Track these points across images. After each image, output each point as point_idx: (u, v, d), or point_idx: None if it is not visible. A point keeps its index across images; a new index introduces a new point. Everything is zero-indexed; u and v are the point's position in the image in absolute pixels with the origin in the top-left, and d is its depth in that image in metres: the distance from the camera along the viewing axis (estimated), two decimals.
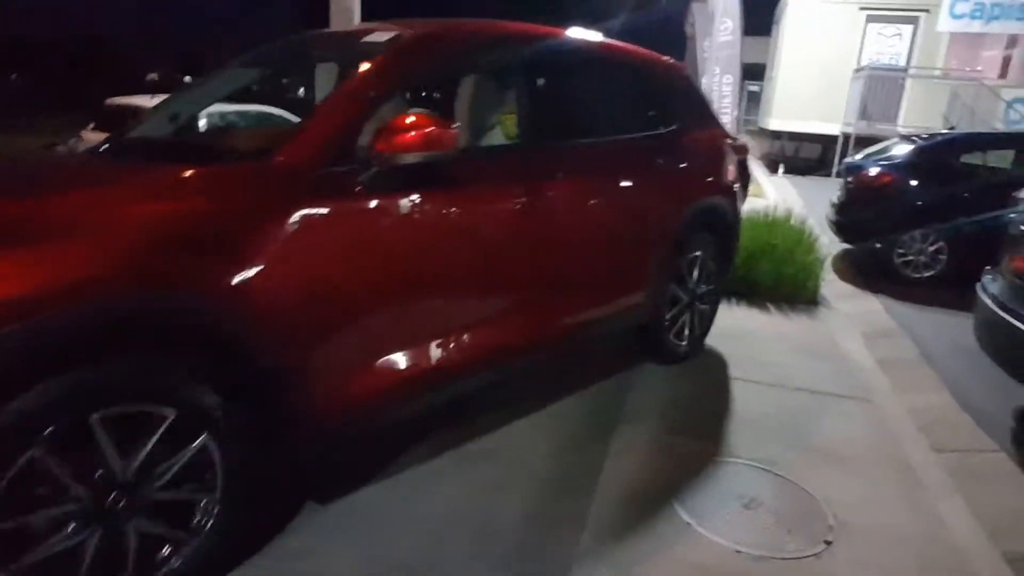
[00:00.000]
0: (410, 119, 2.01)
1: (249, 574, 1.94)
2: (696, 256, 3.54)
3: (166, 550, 1.78)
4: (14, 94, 27.67)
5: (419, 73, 2.46)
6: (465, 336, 2.37)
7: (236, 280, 1.75)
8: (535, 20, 2.90)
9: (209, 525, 1.84)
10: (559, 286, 2.74)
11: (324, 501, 2.28)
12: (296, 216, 1.88)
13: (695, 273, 3.57)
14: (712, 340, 3.93)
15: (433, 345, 2.28)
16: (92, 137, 7.55)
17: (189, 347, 1.72)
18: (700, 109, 3.66)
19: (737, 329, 4.24)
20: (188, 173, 1.84)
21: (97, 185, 1.86)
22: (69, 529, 1.60)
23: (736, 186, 3.76)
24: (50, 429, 1.51)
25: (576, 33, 3.05)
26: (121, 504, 1.66)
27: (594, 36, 3.11)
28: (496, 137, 2.73)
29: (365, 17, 5.72)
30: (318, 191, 1.94)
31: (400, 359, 2.18)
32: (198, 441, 1.76)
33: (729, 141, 3.81)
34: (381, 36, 2.36)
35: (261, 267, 1.80)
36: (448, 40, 2.52)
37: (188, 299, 1.69)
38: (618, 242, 3.03)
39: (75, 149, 6.54)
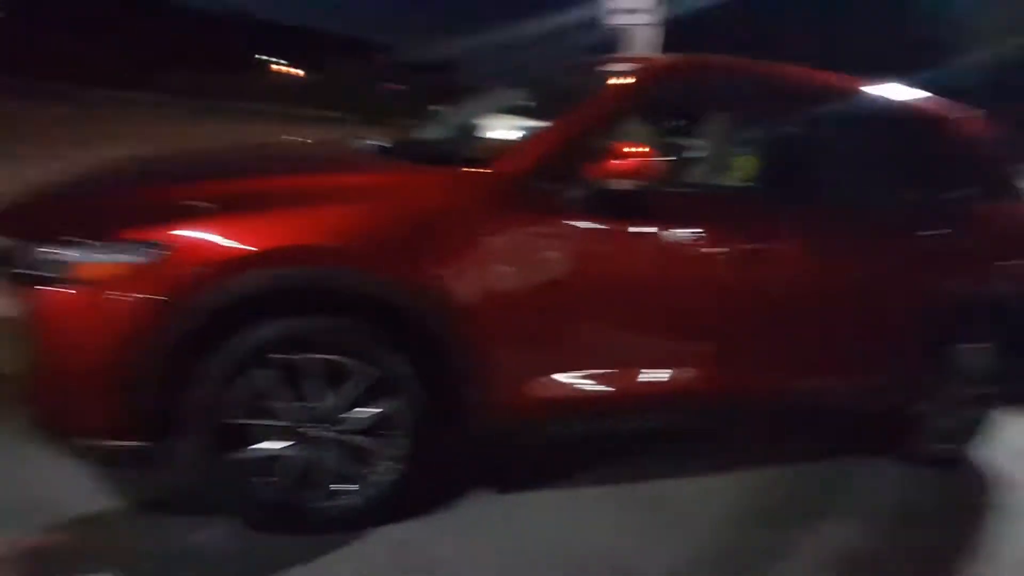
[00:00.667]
0: (621, 148, 2.09)
1: (396, 533, 2.16)
2: (971, 348, 2.96)
3: (347, 487, 2.10)
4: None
5: (644, 106, 2.52)
6: (645, 369, 2.35)
7: (443, 273, 2.01)
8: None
9: (387, 477, 2.11)
10: (764, 342, 2.53)
11: (482, 497, 2.42)
12: (500, 220, 2.09)
13: (965, 368, 2.98)
14: (994, 453, 3.23)
15: (611, 371, 2.31)
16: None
17: (397, 323, 2.01)
18: (1000, 177, 3.07)
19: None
20: (420, 173, 2.17)
21: (358, 173, 2.28)
22: (281, 441, 1.99)
23: None
24: (281, 356, 1.91)
25: (850, 82, 2.79)
26: (322, 432, 2.01)
27: (871, 87, 2.81)
28: (730, 178, 2.65)
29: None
30: (525, 201, 2.12)
31: (577, 377, 2.26)
32: (393, 403, 2.05)
33: None
34: (615, 69, 2.47)
35: (465, 264, 2.04)
36: (681, 77, 2.55)
37: (399, 283, 1.98)
38: (848, 313, 2.68)
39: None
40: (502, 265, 2.10)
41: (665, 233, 2.27)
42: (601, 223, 2.18)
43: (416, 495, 2.24)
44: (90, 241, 1.78)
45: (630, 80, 2.42)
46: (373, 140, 2.91)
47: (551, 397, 2.23)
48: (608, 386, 2.30)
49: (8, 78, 19.57)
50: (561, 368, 2.24)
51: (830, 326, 2.66)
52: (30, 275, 1.78)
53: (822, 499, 2.72)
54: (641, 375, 2.35)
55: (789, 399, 2.69)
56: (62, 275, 1.77)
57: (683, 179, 2.55)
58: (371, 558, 2.03)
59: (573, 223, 2.16)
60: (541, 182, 2.15)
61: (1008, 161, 3.16)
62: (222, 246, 1.81)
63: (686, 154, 2.79)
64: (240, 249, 1.82)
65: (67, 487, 2.16)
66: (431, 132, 3.33)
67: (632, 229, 2.21)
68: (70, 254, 1.77)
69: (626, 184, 2.10)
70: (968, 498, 2.91)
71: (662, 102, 2.58)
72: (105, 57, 27.58)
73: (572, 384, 2.25)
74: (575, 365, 2.25)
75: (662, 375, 2.38)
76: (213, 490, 2.02)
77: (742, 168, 2.62)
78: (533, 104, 3.09)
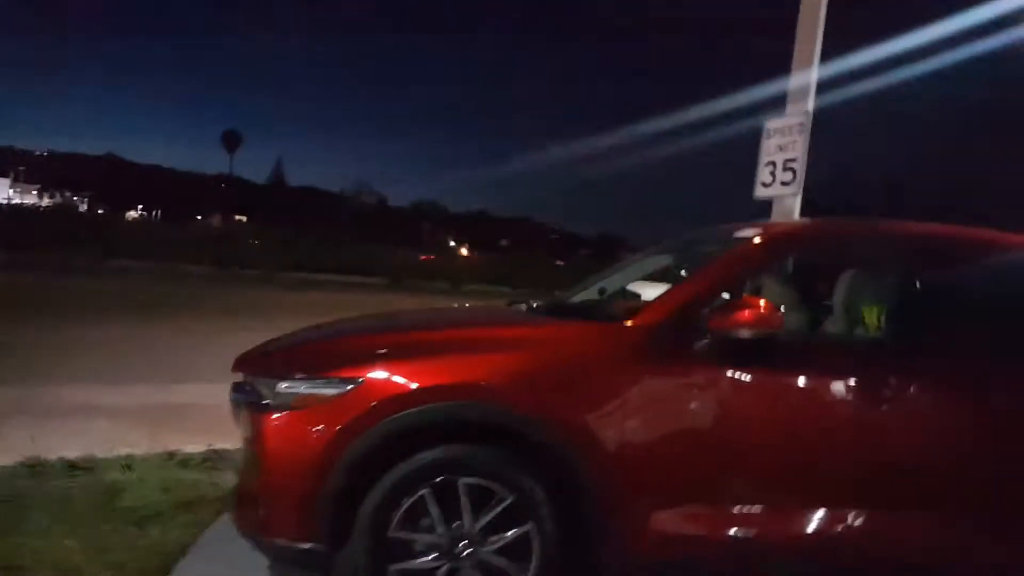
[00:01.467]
0: (743, 302, 2.32)
1: None
2: None
3: None
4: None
5: (765, 266, 2.72)
6: (773, 516, 2.35)
7: (575, 411, 2.28)
8: None
9: None
10: (891, 500, 2.42)
11: None
12: (637, 367, 2.34)
13: None
14: None
15: (741, 517, 2.34)
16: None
17: (532, 452, 2.28)
18: None
19: None
20: (564, 327, 2.52)
21: (509, 327, 2.68)
22: (431, 556, 2.25)
23: None
24: (437, 479, 2.23)
25: (982, 235, 2.82)
26: (465, 550, 2.25)
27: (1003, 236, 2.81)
28: (858, 329, 2.71)
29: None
30: (656, 351, 2.37)
31: (704, 520, 2.33)
32: (526, 526, 2.26)
33: None
34: (745, 234, 2.75)
35: (601, 405, 2.30)
36: (797, 241, 2.76)
37: (540, 420, 2.27)
38: (978, 478, 2.47)
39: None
40: (633, 407, 2.32)
41: (786, 378, 2.39)
42: (725, 369, 2.35)
43: None
44: (306, 377, 2.30)
45: (752, 245, 2.69)
46: (526, 302, 3.36)
47: (674, 537, 2.31)
48: (734, 531, 2.33)
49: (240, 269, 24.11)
50: (688, 509, 2.32)
51: (969, 490, 2.47)
52: (261, 403, 2.32)
53: None
54: (769, 522, 2.35)
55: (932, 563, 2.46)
56: (283, 402, 2.28)
57: (805, 329, 2.66)
58: None
59: (698, 369, 2.36)
60: (670, 333, 2.40)
61: None
62: (398, 382, 2.25)
63: (810, 307, 2.91)
64: (411, 385, 2.25)
65: None
66: (579, 295, 3.73)
67: (756, 374, 2.35)
68: (294, 387, 2.29)
69: (746, 333, 2.29)
70: None
71: (783, 262, 2.78)
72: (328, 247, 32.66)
73: (698, 527, 2.32)
74: (702, 507, 2.33)
75: (790, 523, 2.36)
76: None
77: (869, 319, 2.68)
78: (674, 269, 3.40)
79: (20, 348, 7.21)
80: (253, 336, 3.35)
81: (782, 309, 3.04)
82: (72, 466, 3.77)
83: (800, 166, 6.04)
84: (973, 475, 2.48)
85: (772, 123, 6.33)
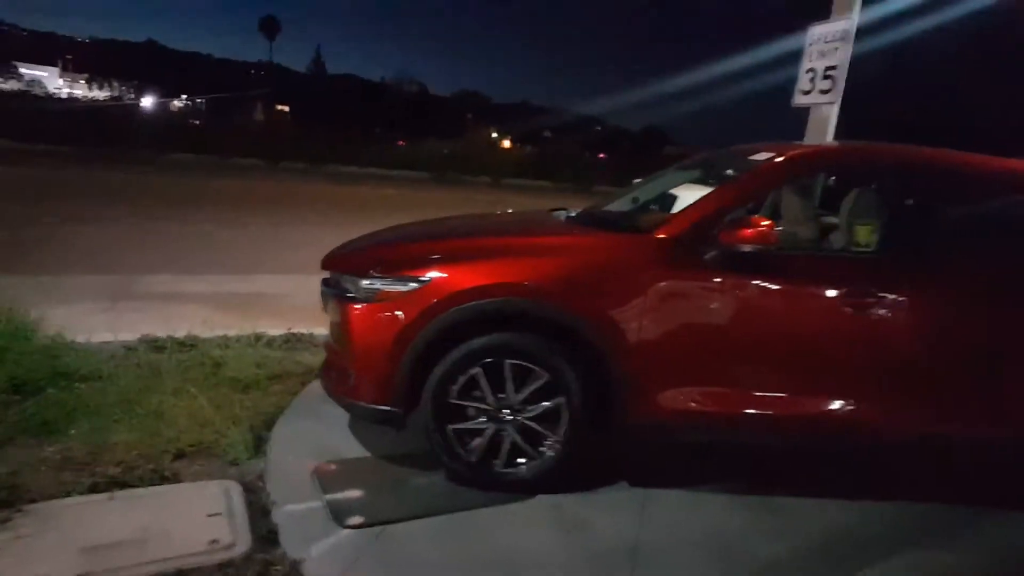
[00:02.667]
0: (750, 220, 2.74)
1: (554, 499, 2.91)
2: None
3: (521, 459, 2.91)
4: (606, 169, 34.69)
5: (775, 186, 3.10)
6: (760, 395, 2.90)
7: (607, 309, 2.79)
8: None
9: (550, 454, 2.90)
10: (876, 384, 2.92)
11: (632, 483, 3.10)
12: (655, 273, 2.82)
13: None
14: None
15: (730, 393, 2.90)
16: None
17: (565, 339, 2.82)
18: None
19: None
20: (596, 236, 2.99)
21: (549, 235, 3.15)
22: (482, 419, 2.87)
23: None
24: (487, 359, 2.81)
25: (977, 159, 3.12)
26: (508, 416, 2.86)
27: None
28: (854, 244, 3.12)
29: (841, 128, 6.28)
30: (675, 259, 2.84)
31: (701, 395, 2.89)
32: (559, 399, 2.85)
33: None
34: (759, 157, 3.11)
35: (625, 303, 2.80)
36: (808, 164, 3.10)
37: (572, 313, 2.79)
38: (966, 361, 2.94)
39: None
40: (651, 305, 2.82)
41: (782, 284, 2.85)
42: (728, 277, 2.82)
43: (573, 476, 2.98)
44: (384, 275, 2.85)
45: (761, 169, 3.07)
46: (566, 211, 3.80)
47: (680, 408, 2.88)
48: (727, 406, 2.90)
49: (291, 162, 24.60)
50: (689, 387, 2.88)
51: (955, 372, 2.96)
52: (347, 295, 2.89)
53: (932, 537, 2.95)
54: (756, 401, 2.91)
55: (901, 438, 3.00)
56: (367, 297, 2.85)
57: (801, 244, 3.07)
58: (533, 511, 2.82)
59: (708, 276, 2.83)
60: (686, 245, 2.86)
61: None
62: (457, 281, 2.78)
63: (812, 224, 3.31)
64: (468, 284, 2.78)
65: (344, 437, 3.27)
66: (616, 204, 4.15)
67: (751, 282, 2.82)
68: (374, 284, 2.85)
69: (748, 247, 2.73)
70: None
71: (791, 183, 3.14)
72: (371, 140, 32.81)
73: (697, 400, 2.88)
74: (701, 386, 2.89)
75: (775, 402, 2.91)
76: (436, 450, 2.93)
77: (862, 235, 3.07)
78: (706, 180, 3.79)
79: (97, 240, 8.05)
80: (308, 230, 3.88)
81: (799, 223, 3.45)
82: (182, 343, 4.52)
83: (840, 75, 6.11)
84: (940, 366, 2.96)
85: (815, 29, 6.35)
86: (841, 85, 6.15)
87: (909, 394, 2.96)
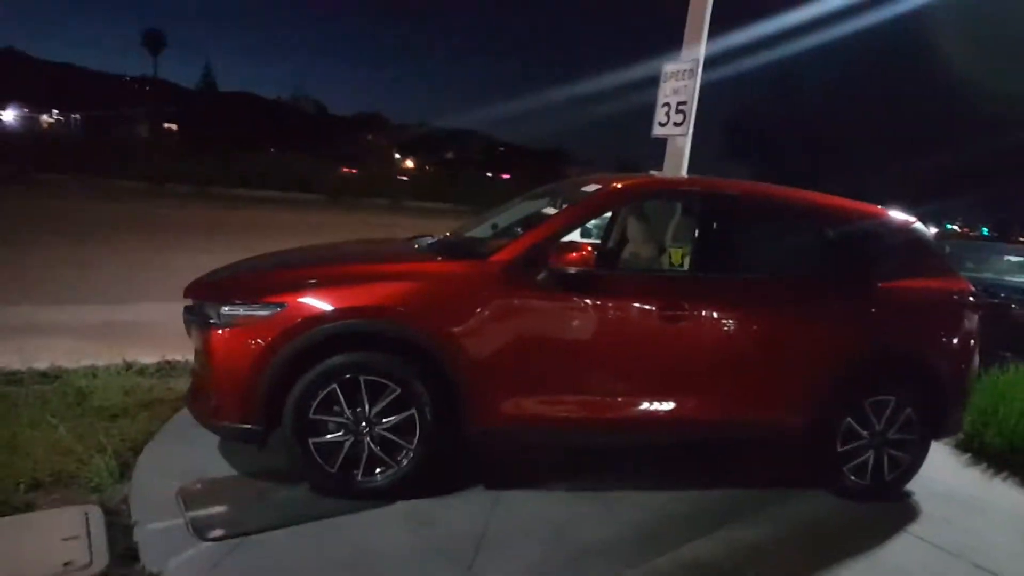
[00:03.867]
0: (571, 244, 3.16)
1: (410, 504, 3.18)
2: (884, 400, 3.66)
3: (379, 468, 3.16)
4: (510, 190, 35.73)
5: (600, 213, 3.57)
6: (590, 400, 3.33)
7: (448, 328, 3.11)
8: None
9: (406, 463, 3.17)
10: (684, 384, 3.42)
11: (488, 485, 3.41)
12: (490, 294, 3.17)
13: (883, 416, 3.68)
14: (921, 498, 3.88)
15: (561, 399, 3.31)
16: None
17: (414, 356, 3.11)
18: (910, 258, 3.83)
19: (964, 495, 4.04)
20: (440, 262, 3.31)
21: (404, 263, 3.44)
22: (340, 432, 3.10)
23: (955, 339, 3.75)
24: (343, 376, 3.05)
25: (767, 189, 3.73)
26: (365, 429, 3.11)
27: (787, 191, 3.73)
28: (668, 263, 3.63)
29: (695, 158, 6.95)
30: (509, 281, 3.20)
31: (534, 402, 3.27)
32: (410, 411, 3.13)
33: (958, 294, 3.83)
34: (588, 189, 3.57)
35: (463, 322, 3.13)
36: (623, 194, 3.64)
37: (418, 332, 3.09)
38: (758, 361, 3.50)
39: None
40: (487, 323, 3.17)
41: (596, 301, 3.28)
42: (556, 296, 3.23)
43: (433, 481, 3.27)
44: (243, 302, 3.03)
45: (588, 199, 3.53)
46: (429, 237, 4.09)
47: (519, 415, 3.25)
48: (561, 411, 3.31)
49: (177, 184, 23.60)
50: (525, 395, 3.26)
51: (746, 371, 3.50)
52: (209, 322, 3.05)
53: (737, 517, 3.46)
54: (587, 405, 3.33)
55: (713, 428, 3.52)
56: (227, 322, 3.02)
57: (621, 264, 3.56)
58: (389, 515, 3.08)
59: (538, 296, 3.21)
60: (519, 268, 3.23)
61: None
62: (312, 306, 3.01)
63: (648, 246, 3.81)
64: (322, 308, 3.02)
65: (212, 458, 3.39)
66: (477, 230, 4.49)
67: (576, 299, 3.24)
68: (234, 310, 3.03)
69: (572, 269, 3.14)
70: (884, 520, 3.57)
71: (615, 210, 3.62)
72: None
73: (532, 406, 3.27)
74: (536, 394, 3.27)
75: (604, 405, 3.34)
76: (298, 463, 3.13)
77: (675, 258, 3.59)
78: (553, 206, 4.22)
79: None
80: (193, 257, 4.00)
81: (638, 246, 3.93)
82: (44, 375, 4.44)
83: (690, 109, 6.80)
84: (725, 365, 3.49)
85: (668, 67, 7.02)
86: (691, 118, 6.85)
87: (715, 391, 3.48)
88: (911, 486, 3.95)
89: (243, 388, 3.01)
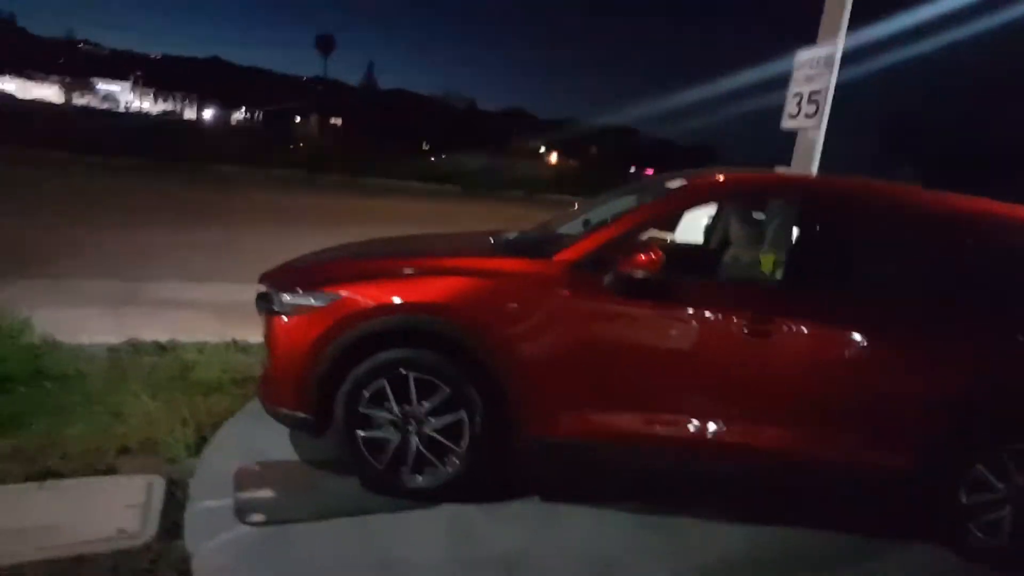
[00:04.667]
0: (644, 246, 2.85)
1: (456, 509, 3.04)
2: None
3: (427, 469, 3.06)
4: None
5: (675, 211, 3.19)
6: (652, 418, 2.98)
7: (503, 329, 2.93)
8: None
9: (454, 466, 3.04)
10: (760, 412, 2.98)
11: (544, 498, 3.20)
12: (552, 296, 2.95)
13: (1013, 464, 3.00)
14: None
15: (620, 415, 2.99)
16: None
17: (466, 356, 2.96)
18: None
19: None
20: (504, 260, 3.12)
21: (469, 258, 3.27)
22: (389, 429, 3.03)
23: None
24: (394, 372, 2.97)
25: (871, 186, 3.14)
26: (413, 428, 3.02)
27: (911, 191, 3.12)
28: (757, 271, 3.17)
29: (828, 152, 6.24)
30: (573, 283, 2.96)
31: (599, 416, 2.99)
32: (460, 413, 2.99)
33: None
34: (672, 185, 3.21)
35: (521, 325, 2.94)
36: (704, 192, 3.23)
37: (470, 331, 2.94)
38: (858, 392, 2.96)
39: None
40: (546, 327, 2.95)
41: (664, 309, 2.94)
42: (623, 302, 2.92)
43: (486, 488, 3.12)
44: (302, 292, 3.05)
45: (664, 197, 3.17)
46: (510, 233, 3.91)
47: (574, 427, 2.99)
48: (617, 425, 2.99)
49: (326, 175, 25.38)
50: (583, 407, 2.99)
51: (838, 406, 2.97)
52: (273, 309, 3.10)
53: (812, 565, 2.97)
54: (652, 424, 2.99)
55: (796, 466, 3.04)
56: (287, 311, 3.06)
57: (697, 270, 3.16)
58: (431, 520, 2.95)
59: (604, 301, 2.94)
60: (586, 269, 2.97)
61: None
62: (365, 299, 2.96)
63: (746, 251, 3.38)
64: (374, 302, 2.96)
65: (280, 442, 3.47)
66: (567, 225, 4.25)
67: (640, 306, 2.92)
68: (294, 299, 3.05)
69: (640, 274, 2.83)
70: None
71: (693, 209, 3.23)
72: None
73: (589, 419, 2.99)
74: (592, 406, 2.99)
75: (671, 425, 2.98)
76: (346, 456, 3.10)
77: (765, 265, 3.13)
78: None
79: (124, 250, 8.55)
80: (318, 243, 4.13)
81: (739, 250, 3.52)
82: (161, 347, 4.83)
83: (823, 99, 6.09)
84: (814, 393, 2.99)
85: (802, 54, 6.35)
86: (825, 109, 6.13)
87: (799, 424, 3.00)
88: None
89: (297, 376, 3.03)
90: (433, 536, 2.85)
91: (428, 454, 3.05)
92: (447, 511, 3.03)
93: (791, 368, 2.95)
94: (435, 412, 3.02)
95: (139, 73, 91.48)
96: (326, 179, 25.16)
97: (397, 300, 2.96)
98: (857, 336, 2.94)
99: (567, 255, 3.02)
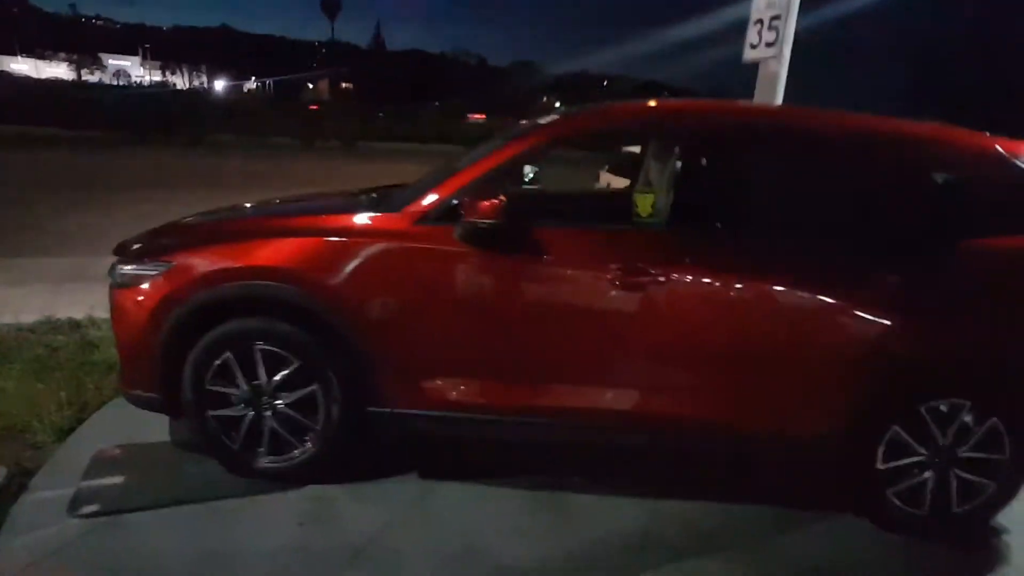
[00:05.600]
0: (490, 194, 2.50)
1: (317, 490, 2.79)
2: (948, 409, 2.62)
3: (285, 449, 2.80)
4: None
5: (532, 155, 2.80)
6: (513, 383, 2.68)
7: (352, 291, 2.62)
8: None
9: (311, 444, 2.78)
10: (643, 376, 2.65)
11: (424, 475, 2.94)
12: (400, 253, 2.63)
13: (948, 430, 2.63)
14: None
15: (490, 384, 2.69)
16: (608, 178, 9.44)
17: (314, 323, 2.66)
18: (1011, 206, 2.63)
19: None
20: (351, 216, 2.77)
21: (310, 217, 2.94)
22: (239, 406, 2.77)
23: None
24: (238, 344, 2.69)
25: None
26: (266, 404, 2.75)
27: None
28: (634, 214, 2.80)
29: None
30: (421, 237, 2.63)
31: (461, 384, 2.70)
32: (312, 386, 2.71)
33: None
34: (516, 130, 2.84)
35: (368, 284, 2.63)
36: (568, 128, 2.90)
37: (313, 296, 2.63)
38: (751, 349, 2.59)
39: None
40: (397, 288, 2.63)
41: (519, 264, 2.60)
42: (475, 255, 2.59)
43: (346, 467, 2.86)
44: (136, 261, 2.78)
45: (517, 138, 2.81)
46: (370, 190, 3.51)
47: (434, 397, 2.70)
48: (481, 394, 2.70)
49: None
50: (442, 375, 2.70)
51: (729, 365, 2.62)
52: (115, 282, 2.83)
53: (730, 540, 2.68)
54: (514, 392, 2.69)
55: (687, 435, 2.72)
56: (124, 282, 2.78)
57: (569, 217, 2.80)
58: (286, 504, 2.70)
59: (453, 254, 2.61)
60: (435, 221, 2.64)
61: None
62: (197, 266, 2.68)
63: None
64: (207, 268, 2.67)
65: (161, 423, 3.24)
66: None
67: (495, 261, 2.59)
68: (130, 269, 2.78)
69: (485, 223, 2.49)
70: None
71: (553, 150, 2.81)
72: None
73: (450, 388, 2.70)
74: (454, 374, 2.70)
75: (538, 392, 2.68)
76: (199, 437, 2.86)
77: (643, 205, 2.74)
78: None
79: (87, 223, 8.38)
80: None
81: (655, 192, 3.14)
82: (76, 324, 4.63)
83: (784, 25, 5.55)
84: (702, 351, 2.65)
85: None
86: (786, 36, 5.58)
87: (679, 385, 2.66)
88: (1010, 521, 2.86)
89: (140, 354, 2.77)
90: (281, 521, 2.60)
91: (284, 432, 2.79)
92: (309, 493, 2.78)
93: (673, 324, 2.59)
94: (286, 387, 2.75)
95: (147, 46, 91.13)
96: (323, 144, 24.87)
97: (233, 265, 2.67)
98: (748, 284, 2.56)
99: (416, 207, 2.69)
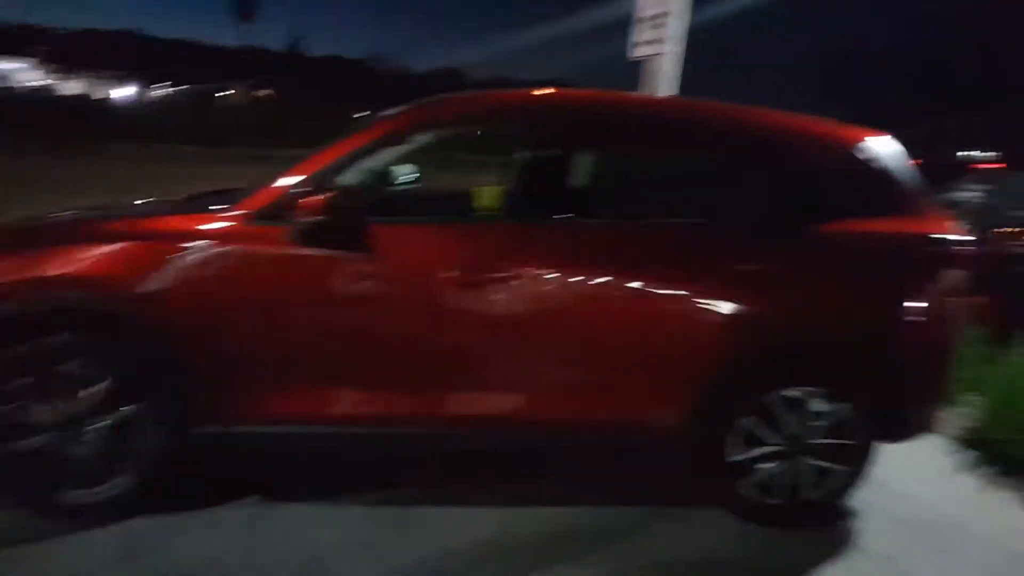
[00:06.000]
0: (322, 190, 2.33)
1: (138, 525, 2.51)
2: (800, 397, 2.61)
3: (98, 480, 2.49)
4: None
5: (376, 148, 2.65)
6: (345, 389, 2.52)
7: (163, 298, 2.37)
8: None
9: (128, 473, 2.50)
10: (485, 376, 2.54)
11: (266, 496, 2.70)
12: (225, 256, 2.40)
13: (797, 416, 2.62)
14: (869, 521, 2.81)
15: (329, 387, 2.52)
16: None
17: (126, 337, 2.40)
18: (860, 194, 2.65)
19: (938, 517, 2.91)
20: (181, 218, 2.54)
21: (145, 219, 2.70)
22: (40, 436, 2.44)
23: (922, 303, 2.58)
24: (38, 364, 2.38)
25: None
26: (69, 432, 2.44)
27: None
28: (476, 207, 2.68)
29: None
30: (250, 239, 2.42)
31: (295, 395, 2.50)
32: (128, 407, 2.43)
33: (932, 241, 2.63)
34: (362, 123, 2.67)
35: (188, 290, 2.39)
36: (412, 122, 2.72)
37: (124, 306, 2.37)
38: (597, 346, 2.52)
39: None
40: (222, 294, 2.40)
41: (337, 256, 2.43)
42: (307, 256, 2.40)
43: (169, 495, 2.58)
44: None
45: (360, 132, 2.63)
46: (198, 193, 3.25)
47: (269, 411, 2.49)
48: (313, 404, 2.51)
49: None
50: (275, 387, 2.49)
51: (574, 355, 2.55)
52: None
53: (591, 540, 2.58)
54: (364, 400, 2.53)
55: (538, 435, 2.62)
56: None
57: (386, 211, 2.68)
58: (107, 544, 2.39)
59: (284, 256, 2.42)
60: (267, 220, 2.44)
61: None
62: None
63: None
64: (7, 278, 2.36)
65: None
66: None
67: (315, 254, 2.41)
68: None
69: (313, 219, 2.30)
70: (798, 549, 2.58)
71: (386, 146, 2.68)
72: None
73: (284, 400, 2.49)
74: (289, 384, 2.50)
75: (377, 399, 2.52)
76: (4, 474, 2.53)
77: (484, 198, 2.63)
78: None
79: None
80: None
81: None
82: None
83: (667, 22, 5.60)
84: (550, 345, 2.56)
85: None
86: (670, 33, 5.63)
87: (520, 378, 2.57)
88: (863, 502, 2.87)
89: None
90: (99, 559, 2.31)
91: (93, 462, 2.49)
92: (129, 527, 2.49)
93: (513, 318, 2.48)
94: (97, 410, 2.45)
95: (45, 49, 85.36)
96: (231, 152, 23.83)
97: (31, 276, 2.37)
98: (590, 275, 2.48)
99: (244, 206, 2.47)
